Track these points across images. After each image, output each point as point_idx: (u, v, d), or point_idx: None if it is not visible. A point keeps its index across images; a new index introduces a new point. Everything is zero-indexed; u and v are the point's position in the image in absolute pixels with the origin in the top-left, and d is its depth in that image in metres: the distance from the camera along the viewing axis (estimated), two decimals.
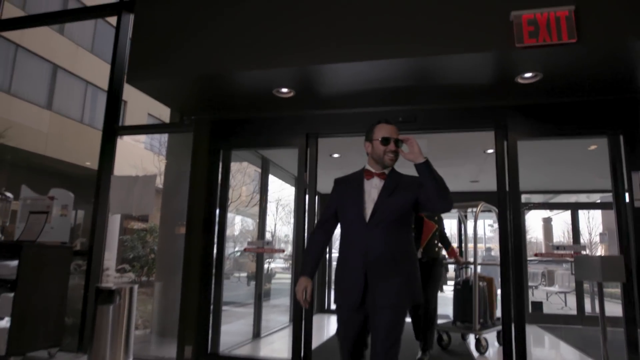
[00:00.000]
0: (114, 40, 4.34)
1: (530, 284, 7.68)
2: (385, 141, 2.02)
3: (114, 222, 4.58)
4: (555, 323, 6.11)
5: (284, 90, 3.31)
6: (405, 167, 2.09)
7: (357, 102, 3.45)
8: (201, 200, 3.75)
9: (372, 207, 1.99)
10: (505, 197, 3.30)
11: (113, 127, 4.25)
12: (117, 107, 4.31)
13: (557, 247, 3.19)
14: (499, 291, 3.26)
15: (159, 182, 4.87)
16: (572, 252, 3.18)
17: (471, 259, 4.63)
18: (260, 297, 5.16)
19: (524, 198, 7.83)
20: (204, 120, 3.88)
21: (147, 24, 3.39)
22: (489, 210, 4.61)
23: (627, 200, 3.10)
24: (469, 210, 5.35)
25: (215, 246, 3.81)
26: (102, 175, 4.12)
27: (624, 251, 3.01)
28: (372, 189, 2.05)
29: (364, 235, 1.96)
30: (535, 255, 3.16)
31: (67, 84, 13.95)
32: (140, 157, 12.59)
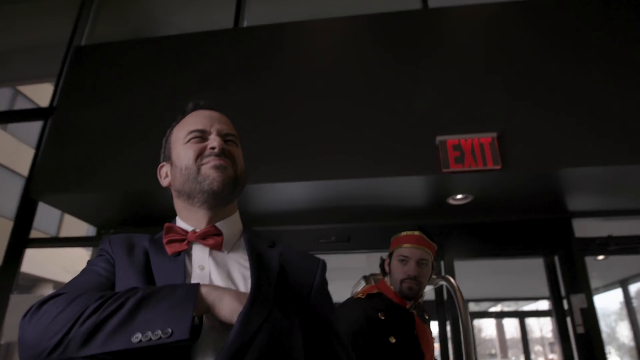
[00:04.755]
0: (36, 145, 4.07)
1: None
2: (198, 137, 0.97)
3: None
4: None
5: None
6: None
7: (287, 220, 3.28)
8: None
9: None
10: (444, 313, 3.10)
11: (23, 239, 3.80)
12: (31, 216, 3.91)
13: None
14: None
15: None
16: None
17: None
18: None
19: (470, 305, 7.68)
20: None
21: (65, 135, 3.19)
22: None
23: (570, 326, 2.96)
24: None
25: None
26: (1, 294, 3.58)
27: None
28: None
29: None
30: None
31: (3, 181, 13.26)
32: (73, 260, 11.67)
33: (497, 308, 10.30)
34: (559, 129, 2.59)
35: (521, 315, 6.98)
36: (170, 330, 0.70)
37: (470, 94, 2.70)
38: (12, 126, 13.15)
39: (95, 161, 3.03)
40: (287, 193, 2.86)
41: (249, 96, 3.02)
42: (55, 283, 11.95)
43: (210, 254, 0.93)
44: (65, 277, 11.34)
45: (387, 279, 1.88)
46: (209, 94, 3.06)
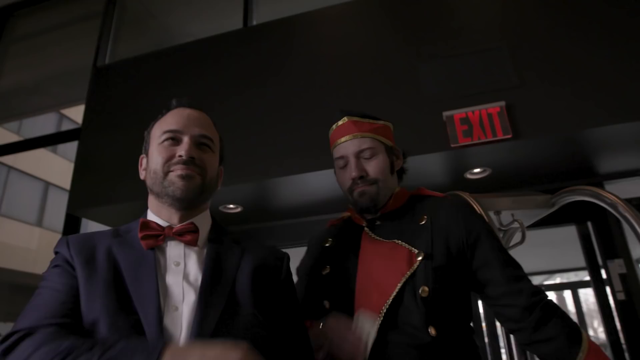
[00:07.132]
0: (74, 164, 4.33)
1: None
2: (170, 139, 0.99)
3: None
4: None
5: (231, 206, 3.20)
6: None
7: (311, 211, 3.33)
8: None
9: None
10: None
11: None
12: (75, 231, 4.17)
13: None
14: None
15: None
16: None
17: None
18: None
19: None
20: None
21: (94, 151, 3.39)
22: None
23: (609, 294, 2.85)
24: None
25: None
26: None
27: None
28: (173, 278, 0.89)
29: None
30: None
31: (58, 200, 14.07)
32: None
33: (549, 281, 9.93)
34: (572, 92, 2.48)
35: (573, 287, 6.71)
36: None
37: (474, 66, 2.63)
38: (61, 149, 13.95)
39: (125, 173, 3.19)
40: (311, 183, 2.90)
41: (267, 92, 3.06)
42: None
43: (185, 249, 0.95)
44: None
45: None
46: (232, 94, 3.10)
